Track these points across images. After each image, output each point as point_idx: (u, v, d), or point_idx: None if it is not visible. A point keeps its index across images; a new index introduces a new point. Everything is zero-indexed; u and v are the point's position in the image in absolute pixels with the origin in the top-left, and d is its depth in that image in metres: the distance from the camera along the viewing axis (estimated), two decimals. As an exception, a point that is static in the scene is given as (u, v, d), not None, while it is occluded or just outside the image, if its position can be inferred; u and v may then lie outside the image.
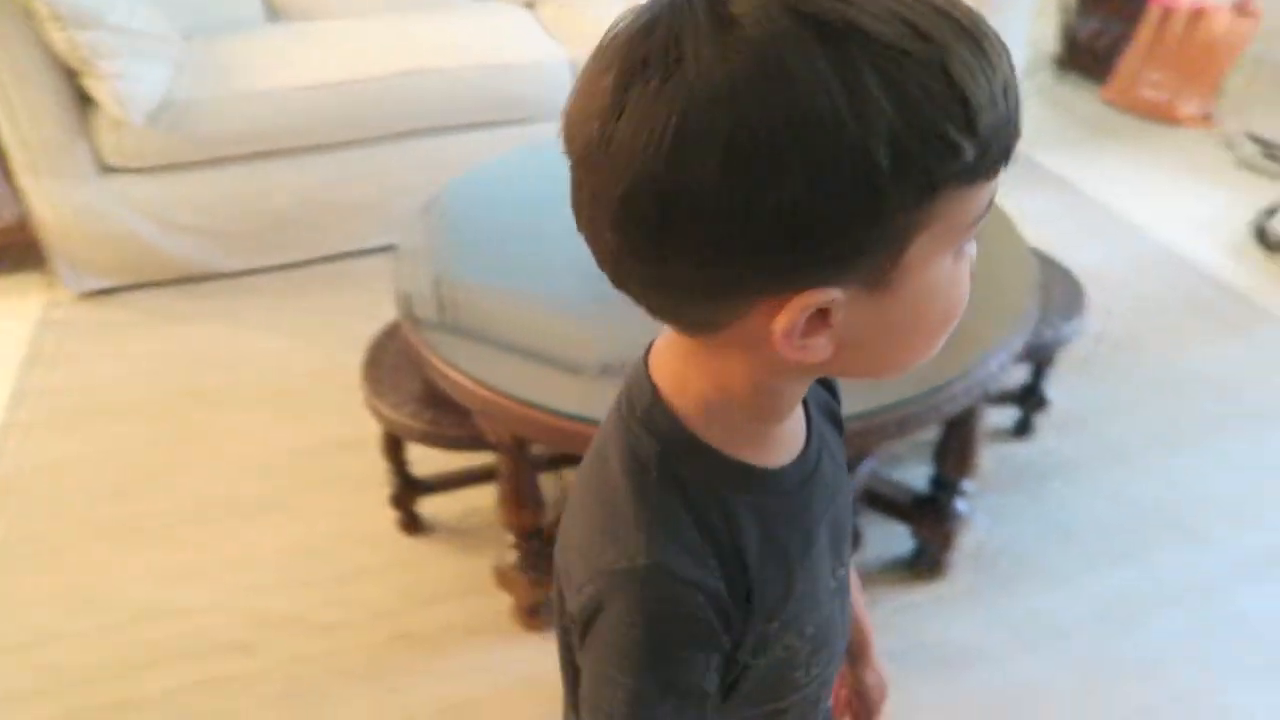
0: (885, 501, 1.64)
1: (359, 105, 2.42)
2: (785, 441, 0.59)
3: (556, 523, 1.57)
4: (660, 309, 0.52)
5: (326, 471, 1.92)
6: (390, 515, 1.77)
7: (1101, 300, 2.29)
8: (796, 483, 0.59)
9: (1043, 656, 1.55)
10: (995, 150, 0.45)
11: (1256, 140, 2.91)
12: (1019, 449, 1.93)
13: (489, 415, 1.33)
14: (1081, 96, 3.38)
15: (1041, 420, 1.94)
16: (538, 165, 1.93)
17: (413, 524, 1.76)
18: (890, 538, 1.69)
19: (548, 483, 1.78)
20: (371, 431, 1.68)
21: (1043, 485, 1.85)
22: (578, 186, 0.48)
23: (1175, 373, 2.13)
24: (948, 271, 0.49)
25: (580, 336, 1.44)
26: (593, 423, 1.28)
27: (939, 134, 0.42)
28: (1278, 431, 1.97)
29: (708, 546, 0.54)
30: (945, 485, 1.57)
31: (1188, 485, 1.85)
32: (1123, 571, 1.68)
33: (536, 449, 1.52)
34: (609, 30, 0.47)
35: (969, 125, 0.43)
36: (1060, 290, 1.75)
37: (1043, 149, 3.00)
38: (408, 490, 1.73)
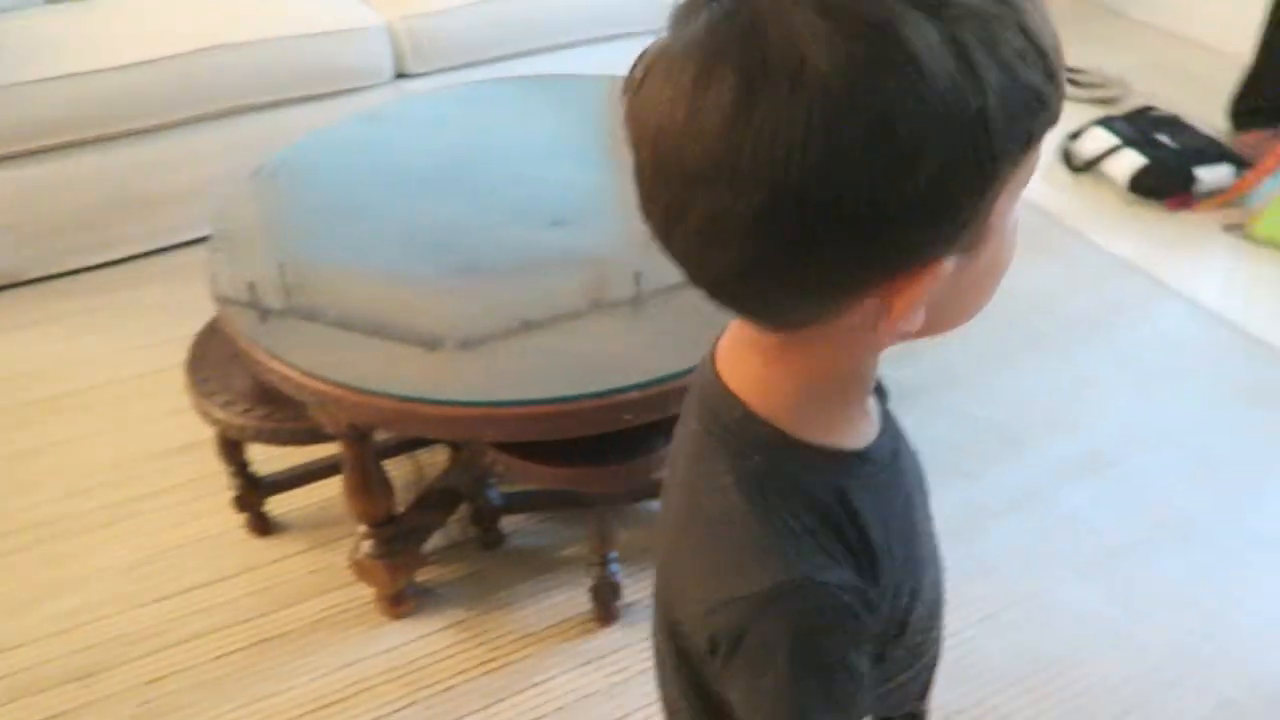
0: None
1: (162, 87, 2.27)
2: (870, 418, 0.59)
3: (410, 506, 1.57)
4: (768, 314, 0.50)
5: (164, 479, 1.82)
6: (238, 518, 1.70)
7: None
8: (890, 455, 0.59)
9: (894, 577, 1.63)
10: (1063, 96, 0.46)
11: (1059, 67, 3.08)
12: (861, 382, 2.01)
13: (323, 407, 1.29)
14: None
15: (879, 352, 2.01)
16: (354, 137, 1.86)
17: (262, 525, 1.70)
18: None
19: (402, 467, 1.75)
20: (209, 433, 1.61)
21: (885, 414, 1.93)
22: (680, 208, 0.45)
23: (997, 295, 2.24)
24: (1012, 220, 0.50)
25: (414, 315, 1.40)
26: (434, 403, 1.26)
27: (1033, 89, 0.44)
28: (1090, 342, 2.11)
29: (838, 543, 0.53)
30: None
31: (1015, 399, 1.97)
32: (961, 486, 1.78)
33: (381, 434, 1.49)
34: (681, 30, 0.44)
35: (1051, 76, 0.45)
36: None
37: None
38: (252, 491, 1.66)
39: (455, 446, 1.68)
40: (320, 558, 1.66)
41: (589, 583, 1.52)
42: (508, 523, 1.68)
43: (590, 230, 1.60)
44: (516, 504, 1.67)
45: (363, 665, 1.52)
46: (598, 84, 2.14)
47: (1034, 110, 0.44)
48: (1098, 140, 2.63)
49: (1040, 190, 2.61)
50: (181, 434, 1.84)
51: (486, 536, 1.66)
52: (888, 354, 1.94)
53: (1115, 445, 1.86)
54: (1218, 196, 2.50)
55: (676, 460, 0.62)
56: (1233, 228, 2.42)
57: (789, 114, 0.41)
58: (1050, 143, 2.71)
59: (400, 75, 2.50)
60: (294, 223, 1.67)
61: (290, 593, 1.62)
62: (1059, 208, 2.53)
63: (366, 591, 1.57)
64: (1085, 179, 2.63)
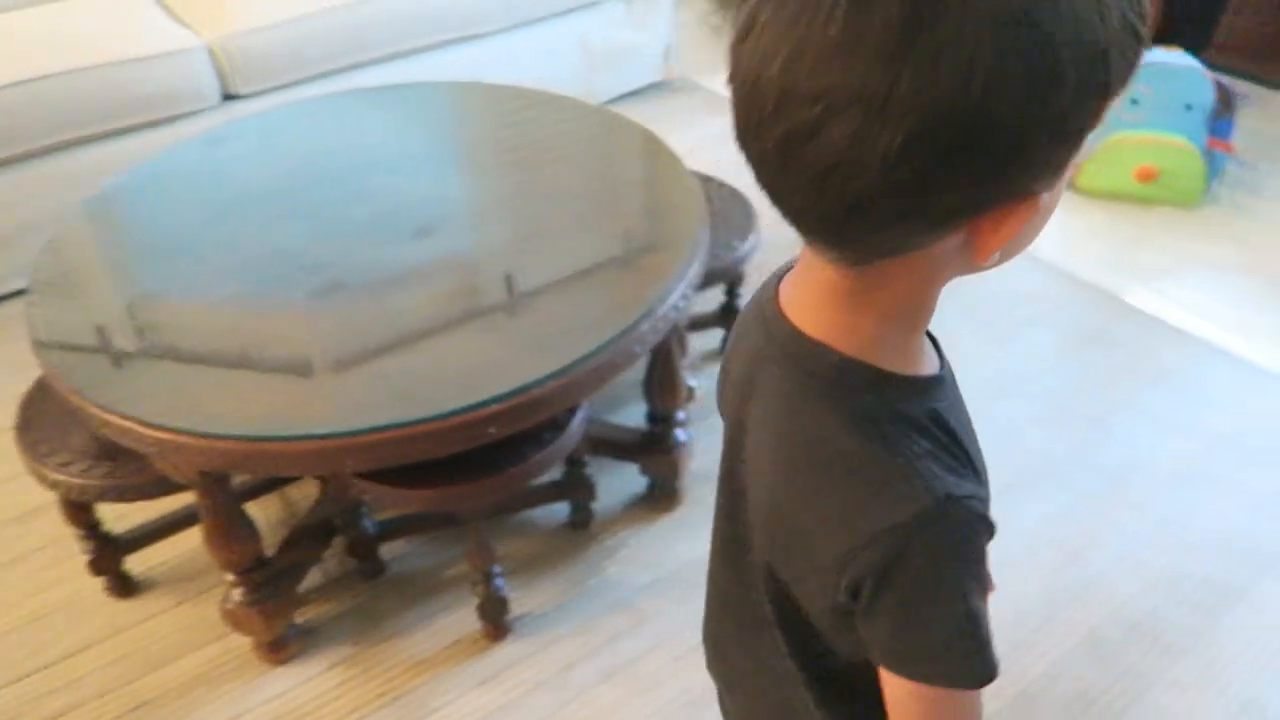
0: (609, 445, 1.68)
1: (-35, 130, 2.11)
2: (928, 345, 0.62)
3: (281, 546, 1.51)
4: (867, 244, 0.50)
5: (8, 550, 1.70)
6: (96, 581, 1.60)
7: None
8: (951, 375, 0.62)
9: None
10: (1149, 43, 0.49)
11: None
12: (730, 365, 2.04)
13: (166, 457, 1.22)
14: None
15: (744, 334, 2.05)
16: (187, 164, 1.77)
17: (124, 585, 1.60)
18: (623, 479, 1.74)
19: (271, 505, 1.69)
20: (53, 495, 1.50)
21: (756, 394, 1.97)
22: (807, 135, 0.45)
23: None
24: (1067, 176, 0.52)
25: (266, 347, 1.34)
26: (284, 440, 1.21)
27: (1132, 27, 0.46)
28: (938, 308, 2.19)
29: (951, 458, 0.56)
30: (661, 418, 1.63)
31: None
32: (834, 458, 1.83)
33: (239, 477, 1.42)
34: None
35: (1143, 14, 0.47)
36: (733, 211, 1.84)
37: (709, 75, 3.13)
38: (108, 551, 1.56)
39: (323, 478, 1.62)
40: (190, 612, 1.58)
41: (476, 601, 1.49)
42: (386, 550, 1.64)
43: (457, 238, 1.57)
44: (393, 530, 1.62)
45: (248, 718, 1.45)
46: (439, 90, 2.10)
47: (1134, 45, 0.47)
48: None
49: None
50: (22, 500, 1.72)
51: (366, 567, 1.61)
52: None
53: (970, 397, 1.92)
54: (1044, 152, 2.63)
55: (757, 426, 0.62)
56: (1060, 181, 2.56)
57: (957, 38, 0.42)
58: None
59: (229, 97, 2.40)
60: (125, 260, 1.58)
61: (162, 653, 1.54)
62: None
63: (243, 641, 1.50)
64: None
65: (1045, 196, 0.49)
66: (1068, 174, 0.51)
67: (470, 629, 1.53)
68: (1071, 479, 1.77)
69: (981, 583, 0.57)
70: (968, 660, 0.58)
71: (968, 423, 0.63)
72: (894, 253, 0.51)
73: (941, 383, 0.60)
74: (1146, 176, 2.43)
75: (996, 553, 1.85)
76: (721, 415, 0.72)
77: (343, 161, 1.77)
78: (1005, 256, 0.54)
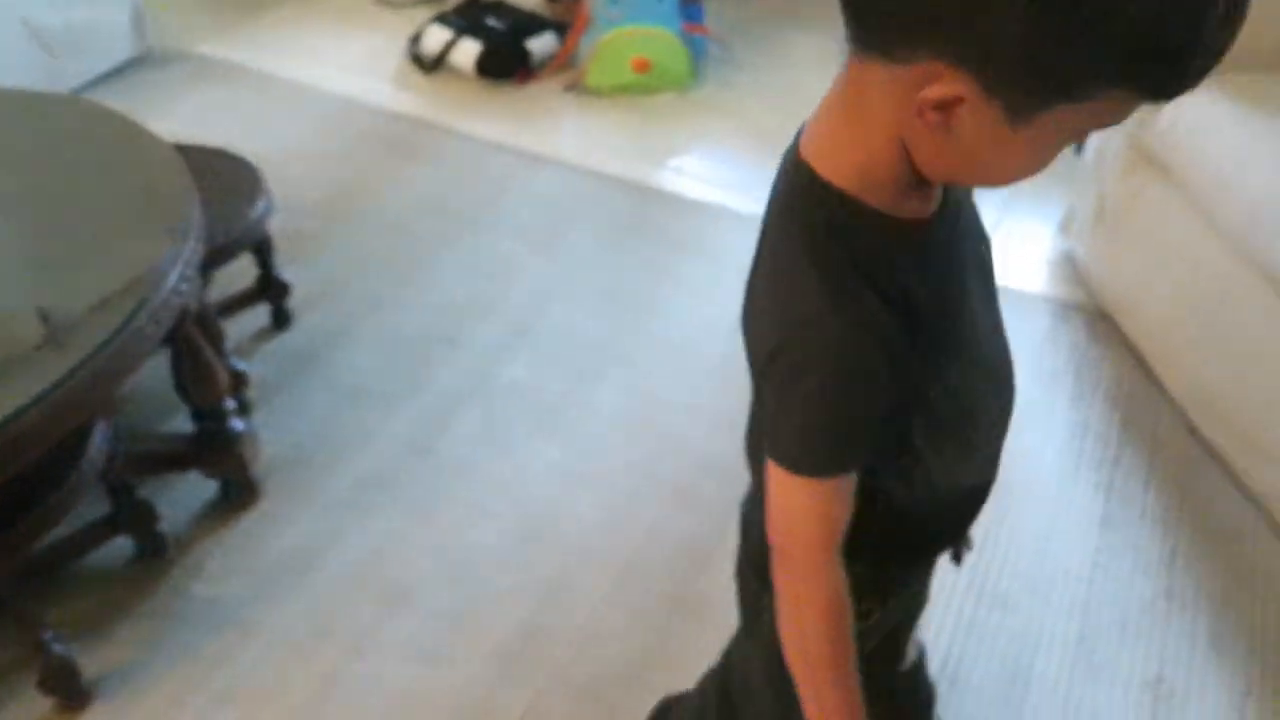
0: (154, 459, 1.52)
1: None
2: (925, 205, 0.64)
3: None
4: (880, 13, 0.54)
5: None
6: None
7: (306, 169, 2.33)
8: (944, 235, 0.66)
9: (379, 514, 1.61)
10: (1180, 89, 0.53)
11: (384, -24, 3.10)
12: (287, 339, 1.92)
13: None
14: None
15: (293, 304, 1.93)
16: None
17: None
18: (190, 490, 1.58)
19: None
20: None
21: (322, 361, 1.88)
22: None
23: (391, 209, 2.27)
24: (1052, 145, 0.57)
25: None
26: None
27: (1176, 49, 0.50)
28: (485, 226, 2.22)
29: (875, 296, 0.60)
30: (208, 414, 1.49)
31: (438, 303, 2.02)
32: (416, 401, 1.80)
33: None
34: None
35: (1202, 35, 0.50)
36: (237, 178, 1.71)
37: (202, 41, 2.85)
38: None
39: None
40: None
41: (35, 678, 1.29)
42: (-93, 662, 1.36)
43: None
44: (-93, 636, 1.35)
45: None
46: None
47: (1168, 61, 0.50)
48: (437, 37, 2.72)
49: (399, 97, 2.65)
50: None
51: (-117, 691, 1.33)
52: (303, 302, 1.84)
53: (532, 310, 2.00)
54: (552, 63, 2.74)
55: (762, 241, 0.69)
56: (572, 87, 2.68)
57: None
58: (398, 51, 2.78)
59: None
60: None
61: None
62: (420, 110, 2.60)
63: None
64: (438, 77, 2.71)
65: (977, 98, 0.52)
66: (1032, 135, 0.54)
67: (40, 712, 1.32)
68: (635, 360, 1.89)
69: (853, 401, 0.63)
70: (808, 454, 0.65)
71: (946, 288, 0.67)
72: (892, 43, 0.54)
73: (915, 230, 0.63)
74: (642, 67, 2.61)
75: (575, 445, 1.90)
76: None
77: None
78: (935, 156, 0.58)
